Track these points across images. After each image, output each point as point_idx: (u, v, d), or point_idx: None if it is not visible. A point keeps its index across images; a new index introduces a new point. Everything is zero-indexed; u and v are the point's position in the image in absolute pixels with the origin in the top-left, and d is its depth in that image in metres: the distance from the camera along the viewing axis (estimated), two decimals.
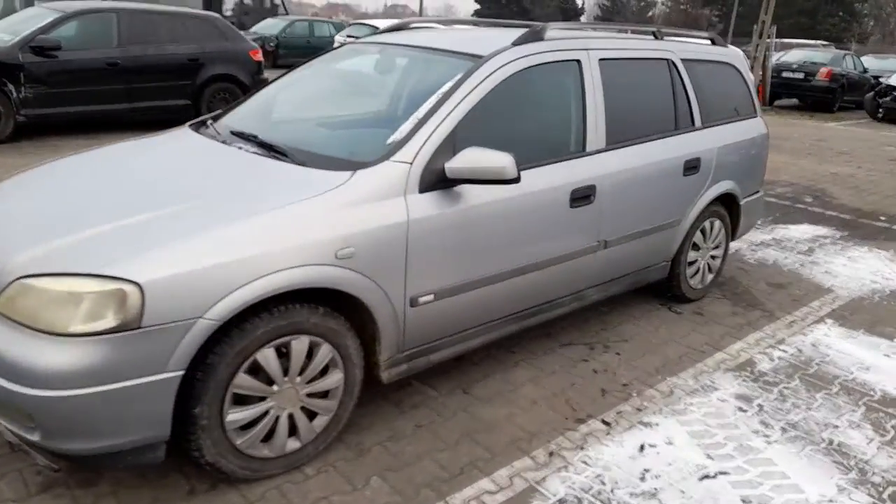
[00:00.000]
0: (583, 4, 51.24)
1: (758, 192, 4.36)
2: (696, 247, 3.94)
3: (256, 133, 2.78)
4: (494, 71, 2.74)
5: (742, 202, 4.13)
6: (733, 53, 4.17)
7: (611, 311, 3.87)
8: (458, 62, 2.83)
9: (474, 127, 2.60)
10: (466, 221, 2.57)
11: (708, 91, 3.87)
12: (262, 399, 2.19)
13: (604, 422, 2.80)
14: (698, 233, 3.90)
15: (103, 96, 7.90)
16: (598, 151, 3.11)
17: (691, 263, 3.96)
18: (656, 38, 3.71)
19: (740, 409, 2.96)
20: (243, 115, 3.22)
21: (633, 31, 3.88)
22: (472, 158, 2.44)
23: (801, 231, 5.86)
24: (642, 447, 2.63)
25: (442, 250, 2.51)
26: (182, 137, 3.03)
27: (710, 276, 4.16)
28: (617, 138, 3.22)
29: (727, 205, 4.06)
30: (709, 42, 4.11)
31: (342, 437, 2.52)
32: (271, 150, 2.60)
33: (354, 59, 3.64)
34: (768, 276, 4.70)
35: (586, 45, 3.17)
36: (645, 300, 4.05)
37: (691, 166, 3.61)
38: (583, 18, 50.40)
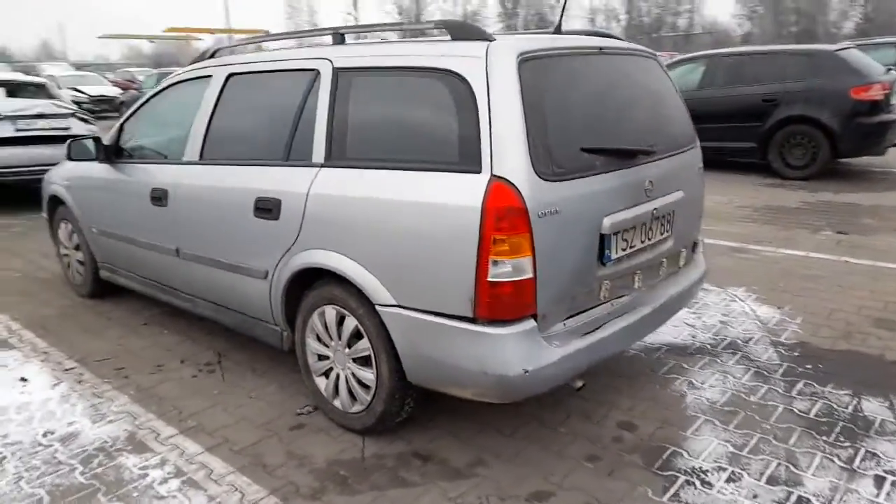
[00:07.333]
0: None
1: (455, 318, 2.28)
2: (319, 339, 2.80)
3: None
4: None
5: (385, 310, 2.43)
6: (470, 58, 2.33)
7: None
8: None
9: None
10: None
11: (379, 115, 2.60)
12: None
13: None
14: (316, 318, 2.76)
15: None
16: (188, 163, 3.32)
17: (323, 358, 2.83)
18: (335, 40, 2.88)
19: None
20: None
21: (315, 33, 3.08)
22: None
23: None
24: None
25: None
26: None
27: (372, 408, 2.71)
28: (222, 154, 3.33)
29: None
30: (448, 36, 2.48)
31: None
32: None
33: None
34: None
35: (228, 61, 3.31)
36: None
37: (266, 208, 2.81)
38: None
